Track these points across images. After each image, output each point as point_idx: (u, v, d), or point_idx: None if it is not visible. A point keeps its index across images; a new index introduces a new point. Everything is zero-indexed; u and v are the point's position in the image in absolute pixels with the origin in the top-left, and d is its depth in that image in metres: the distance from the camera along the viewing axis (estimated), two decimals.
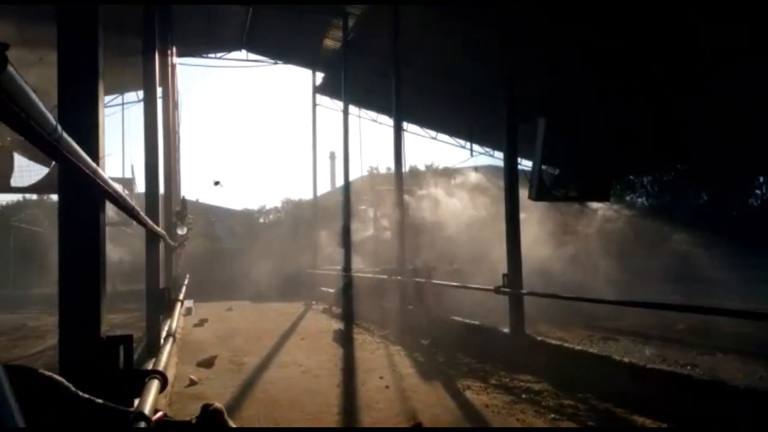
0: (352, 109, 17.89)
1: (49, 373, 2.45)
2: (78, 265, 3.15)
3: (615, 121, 13.72)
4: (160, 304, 7.76)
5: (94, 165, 2.61)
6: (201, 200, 29.50)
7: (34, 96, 1.60)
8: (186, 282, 14.18)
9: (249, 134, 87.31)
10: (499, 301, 10.29)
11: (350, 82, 16.03)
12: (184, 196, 14.87)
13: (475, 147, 25.13)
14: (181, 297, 9.23)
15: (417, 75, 17.29)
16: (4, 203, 29.90)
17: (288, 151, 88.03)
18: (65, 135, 2.02)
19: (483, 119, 19.19)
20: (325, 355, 10.27)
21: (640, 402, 6.33)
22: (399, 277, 13.52)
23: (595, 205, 17.63)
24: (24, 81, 1.50)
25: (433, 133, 25.41)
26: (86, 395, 2.39)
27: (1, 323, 16.66)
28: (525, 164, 14.45)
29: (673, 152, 19.27)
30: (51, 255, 19.56)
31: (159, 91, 9.76)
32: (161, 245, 8.64)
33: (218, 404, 2.71)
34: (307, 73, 23.92)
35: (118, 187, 3.44)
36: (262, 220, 34.65)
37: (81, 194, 3.04)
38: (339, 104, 22.44)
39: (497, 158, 25.39)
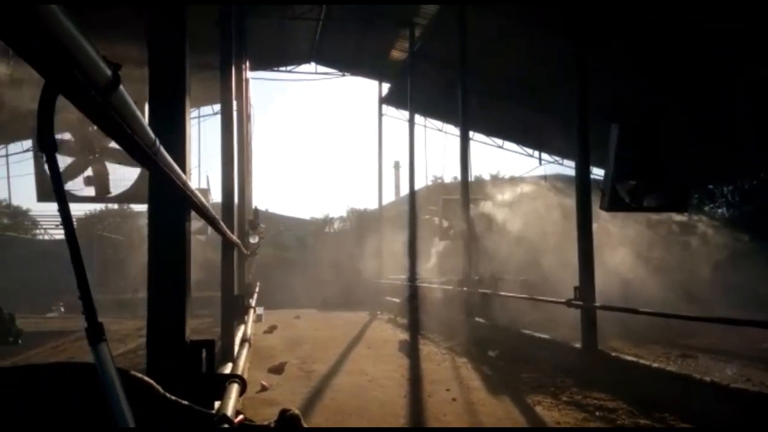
0: (417, 118, 18.00)
1: (141, 375, 2.59)
2: (165, 272, 3.30)
3: (695, 127, 13.12)
4: (234, 310, 8.03)
5: (184, 177, 2.75)
6: (270, 210, 30.37)
7: (138, 113, 1.71)
8: (257, 289, 14.58)
9: (317, 144, 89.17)
10: (569, 314, 10.02)
11: (416, 91, 16.12)
12: (256, 206, 15.35)
13: (544, 155, 24.65)
14: (253, 304, 9.51)
15: (484, 83, 17.17)
16: (88, 212, 31.78)
17: (354, 161, 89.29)
18: (162, 149, 2.15)
19: (552, 127, 18.79)
20: (391, 364, 10.29)
21: (722, 424, 5.99)
22: (465, 288, 13.39)
23: (674, 216, 16.86)
24: (131, 99, 1.62)
25: (499, 141, 25.12)
26: (173, 397, 2.51)
27: (80, 328, 17.62)
28: (597, 173, 14.03)
29: (757, 159, 18.20)
30: (129, 262, 20.70)
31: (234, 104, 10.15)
32: (235, 253, 8.94)
33: (296, 410, 2.77)
34: (373, 84, 24.25)
35: (203, 198, 3.60)
36: (328, 230, 35.22)
37: (170, 204, 3.19)
38: (405, 114, 22.60)
39: (567, 167, 24.81)
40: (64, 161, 9.68)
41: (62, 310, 22.47)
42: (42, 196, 9.95)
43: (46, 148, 1.33)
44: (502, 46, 15.30)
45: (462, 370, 9.80)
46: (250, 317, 7.33)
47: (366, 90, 71.06)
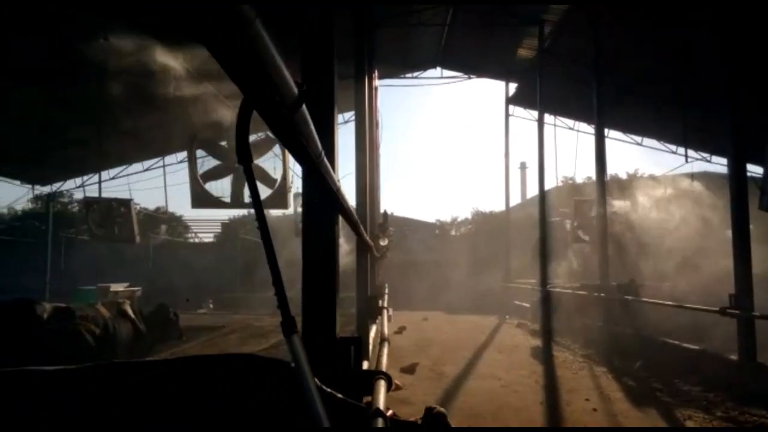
0: (547, 117, 17.43)
1: None
2: (317, 271, 3.51)
3: None
4: (369, 310, 8.31)
5: (338, 183, 2.92)
6: (396, 213, 30.94)
7: (313, 128, 1.87)
8: (386, 291, 14.93)
9: (442, 148, 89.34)
10: (721, 324, 9.21)
11: (545, 89, 15.64)
12: (385, 210, 15.73)
13: (690, 152, 22.80)
14: (385, 305, 9.77)
15: (619, 78, 16.27)
16: (232, 217, 34.36)
17: (479, 163, 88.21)
18: (324, 158, 2.31)
19: (698, 122, 17.35)
20: (524, 370, 10.07)
21: None
22: (602, 294, 12.75)
23: None
24: (309, 114, 1.77)
25: (637, 138, 23.64)
26: (329, 389, 2.66)
27: (232, 323, 19.10)
28: (753, 170, 12.74)
29: None
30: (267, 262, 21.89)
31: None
32: (368, 256, 9.24)
33: (441, 408, 2.83)
34: (499, 84, 23.89)
35: (349, 203, 3.79)
36: (454, 232, 35.16)
37: (322, 209, 3.39)
38: (533, 113, 22.04)
39: (716, 164, 22.79)
40: (210, 165, 10.66)
41: (211, 306, 24.49)
42: (195, 203, 11.02)
43: (243, 158, 1.49)
44: (641, 38, 14.41)
45: (601, 379, 9.35)
46: (385, 318, 7.54)
47: (491, 91, 70.15)
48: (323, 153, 2.21)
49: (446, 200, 77.50)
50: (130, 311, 8.08)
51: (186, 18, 0.91)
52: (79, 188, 20.06)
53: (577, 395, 8.18)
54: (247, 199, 10.82)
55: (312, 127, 1.83)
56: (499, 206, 33.64)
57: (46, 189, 20.33)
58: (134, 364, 2.73)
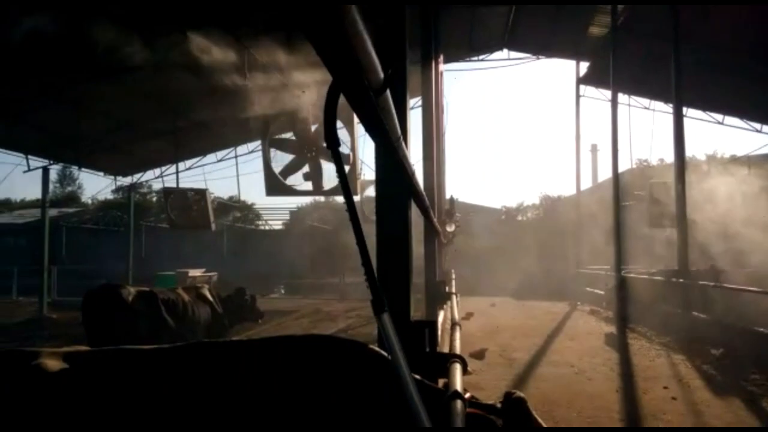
0: (620, 97, 16.77)
1: (378, 349, 2.83)
2: (392, 256, 3.55)
3: None
4: (437, 295, 8.32)
5: (412, 168, 2.94)
6: (461, 199, 30.67)
7: (394, 111, 1.89)
8: (453, 277, 14.89)
9: (508, 131, 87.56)
10: None
11: (618, 68, 15.02)
12: (452, 195, 15.64)
13: None
14: (452, 290, 9.76)
15: (698, 53, 15.40)
16: (302, 205, 35.14)
17: (547, 146, 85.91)
18: (402, 142, 2.33)
19: None
20: (598, 358, 9.83)
21: None
22: (681, 280, 12.21)
23: None
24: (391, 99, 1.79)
25: (718, 116, 22.35)
26: (415, 376, 2.70)
27: (302, 307, 19.59)
28: None
29: None
30: (336, 250, 22.33)
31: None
32: (436, 241, 9.24)
33: (520, 393, 2.81)
34: (569, 64, 23.18)
35: (421, 190, 3.81)
36: (520, 218, 34.57)
37: (396, 193, 3.41)
38: (605, 93, 21.25)
39: None
40: (285, 158, 10.92)
41: (282, 291, 25.23)
42: (270, 191, 11.33)
43: (331, 143, 1.52)
44: (724, 9, 13.56)
45: (680, 367, 9.00)
46: (454, 303, 7.54)
47: (560, 72, 68.13)
48: (402, 137, 2.23)
49: (512, 185, 76.23)
50: (208, 295, 8.46)
51: (289, 6, 0.95)
52: (157, 179, 21.06)
53: (654, 383, 7.92)
54: (324, 185, 11.01)
55: (393, 110, 1.86)
56: (568, 191, 32.70)
57: (128, 180, 21.44)
58: (222, 344, 2.87)
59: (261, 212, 37.47)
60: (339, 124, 11.85)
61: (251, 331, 11.46)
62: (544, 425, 2.65)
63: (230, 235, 30.77)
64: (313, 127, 10.83)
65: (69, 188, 54.19)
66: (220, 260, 26.70)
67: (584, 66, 22.01)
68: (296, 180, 10.82)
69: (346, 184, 1.54)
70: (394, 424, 2.44)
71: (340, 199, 30.96)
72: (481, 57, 21.42)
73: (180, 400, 2.40)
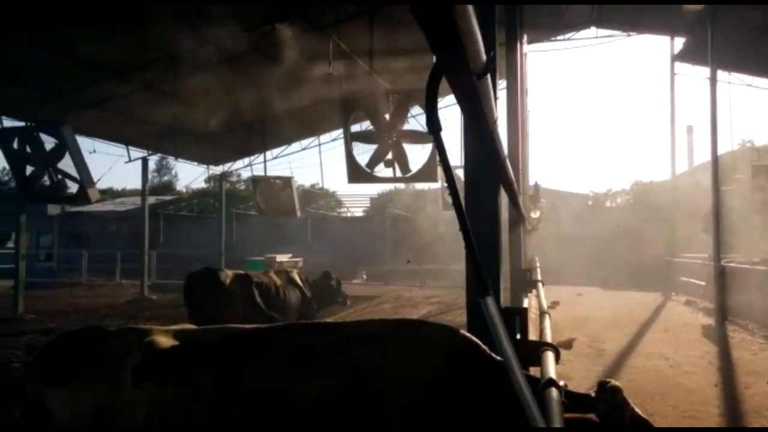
0: (719, 75, 15.67)
1: (469, 335, 2.84)
2: (480, 242, 3.53)
3: None
4: (522, 283, 8.17)
5: (504, 153, 2.91)
6: (545, 185, 29.82)
7: (492, 95, 1.88)
8: (538, 265, 14.58)
9: (595, 113, 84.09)
10: None
11: (717, 43, 14.02)
12: (536, 181, 15.31)
13: None
14: (538, 278, 9.56)
15: None
16: (382, 192, 35.49)
17: (638, 129, 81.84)
18: (497, 127, 2.31)
19: None
20: (695, 350, 9.35)
21: None
22: None
23: None
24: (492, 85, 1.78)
25: None
26: (498, 357, 2.69)
27: (383, 293, 19.85)
28: None
29: None
30: (417, 237, 22.41)
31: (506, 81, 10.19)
32: (521, 228, 9.07)
33: (615, 382, 2.73)
34: (662, 41, 21.88)
35: (512, 175, 3.75)
36: (609, 204, 33.20)
37: (485, 178, 3.39)
38: (703, 71, 19.88)
39: None
40: (370, 149, 11.05)
41: (365, 277, 25.64)
42: (352, 178, 11.52)
43: (432, 127, 1.54)
44: None
45: None
46: (540, 291, 7.38)
47: (653, 49, 64.26)
48: (497, 121, 2.21)
49: (601, 171, 73.29)
50: (297, 279, 8.77)
51: None
52: (246, 167, 21.90)
53: (757, 378, 7.45)
54: (398, 173, 11.06)
55: (492, 94, 1.85)
56: (659, 175, 31.09)
57: (219, 169, 22.43)
58: (319, 324, 2.98)
59: (342, 199, 38.19)
60: (418, 110, 11.83)
61: (337, 315, 11.75)
62: (643, 416, 2.56)
63: (313, 222, 31.57)
64: (387, 115, 10.87)
65: (165, 177, 57.55)
66: (305, 246, 27.47)
67: (679, 42, 20.72)
68: (377, 167, 10.92)
69: (448, 169, 1.55)
70: (491, 411, 2.45)
71: (420, 185, 31.03)
72: (567, 36, 20.63)
73: (280, 376, 2.52)
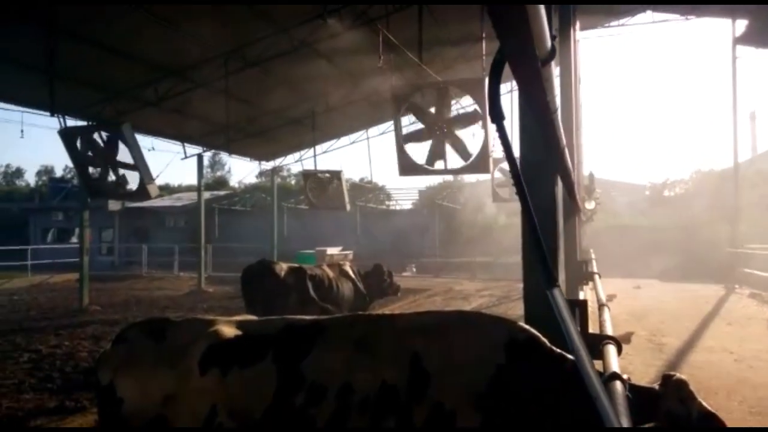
0: None
1: (527, 327, 2.79)
2: (537, 233, 3.45)
3: None
4: (578, 275, 8.00)
5: (564, 143, 2.84)
6: (599, 175, 29.02)
7: (554, 82, 1.84)
8: (593, 257, 14.24)
9: (651, 101, 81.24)
10: None
11: None
12: (591, 172, 14.93)
13: None
14: (594, 270, 9.33)
15: None
16: (431, 185, 35.36)
17: (697, 116, 78.61)
18: (557, 116, 2.26)
19: None
20: (761, 344, 8.96)
21: None
22: None
23: None
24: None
25: None
26: (557, 350, 2.64)
27: (434, 286, 19.81)
28: None
29: None
30: (465, 228, 22.25)
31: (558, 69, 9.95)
32: (576, 219, 8.86)
33: (681, 375, 2.63)
34: (723, 24, 20.89)
35: (569, 165, 3.66)
36: (668, 193, 32.00)
37: (542, 168, 3.31)
38: (767, 54, 18.92)
39: None
40: (422, 145, 11.01)
41: (414, 270, 25.65)
42: (403, 171, 11.49)
43: (495, 116, 1.51)
44: None
45: None
46: (597, 283, 7.20)
47: (711, 33, 61.33)
48: (558, 110, 2.16)
49: (658, 160, 70.86)
50: (350, 271, 8.86)
51: None
52: (297, 162, 22.19)
53: None
54: (450, 165, 10.97)
55: (553, 80, 1.80)
56: (721, 163, 29.78)
57: (270, 164, 22.82)
58: (376, 316, 3.00)
59: (391, 192, 38.24)
60: (469, 100, 11.68)
61: (388, 308, 11.81)
62: (711, 410, 2.46)
63: (363, 215, 31.76)
64: (432, 109, 10.79)
65: (219, 173, 59.14)
66: (354, 239, 27.69)
67: (741, 25, 19.74)
68: (428, 159, 10.84)
69: (512, 158, 1.52)
70: (552, 404, 2.41)
71: (468, 178, 30.74)
72: (621, 22, 19.96)
73: (340, 367, 2.55)
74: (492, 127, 10.57)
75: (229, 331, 2.77)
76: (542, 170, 3.35)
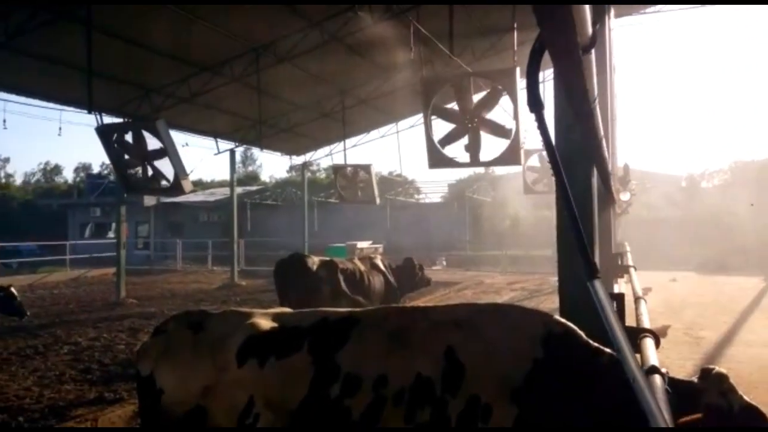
0: None
1: (564, 321, 2.75)
2: (573, 225, 3.40)
3: None
4: (613, 268, 7.86)
5: (601, 133, 2.79)
6: (633, 166, 28.34)
7: (595, 70, 1.80)
8: (628, 249, 13.99)
9: (687, 89, 79.03)
10: None
11: None
12: (626, 163, 14.59)
13: None
14: (629, 263, 9.17)
15: None
16: (461, 178, 35.14)
17: (735, 105, 76.26)
18: (596, 106, 2.22)
19: None
20: None
21: None
22: None
23: None
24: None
25: None
26: (595, 344, 2.60)
27: (464, 279, 19.72)
28: None
29: None
30: (496, 221, 22.05)
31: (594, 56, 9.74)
32: (611, 211, 8.71)
33: (721, 368, 2.57)
34: (761, 7, 20.17)
35: (606, 155, 3.59)
36: (706, 184, 31.25)
37: (579, 159, 3.26)
38: None
39: None
40: (451, 134, 10.91)
41: (444, 263, 25.57)
42: (433, 164, 11.43)
43: (534, 105, 1.48)
44: None
45: None
46: (633, 276, 7.08)
47: (750, 17, 59.25)
48: (597, 100, 2.12)
49: (694, 150, 69.08)
50: (381, 265, 8.89)
51: None
52: (327, 156, 22.27)
53: None
54: (480, 158, 10.86)
55: (594, 69, 1.77)
56: (761, 153, 28.85)
57: (300, 159, 22.97)
58: (410, 308, 2.99)
59: (420, 186, 38.17)
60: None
61: (419, 301, 11.80)
62: (753, 403, 2.39)
63: (392, 209, 31.78)
64: (475, 98, 10.67)
65: (250, 168, 59.86)
66: (384, 233, 27.73)
67: None
68: (457, 152, 10.76)
69: (551, 148, 1.50)
70: (591, 398, 2.38)
71: (498, 170, 30.45)
72: (657, 8, 19.45)
73: (375, 359, 2.55)
74: (523, 119, 10.39)
75: (265, 323, 2.80)
76: (579, 161, 3.29)
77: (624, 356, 1.39)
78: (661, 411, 1.51)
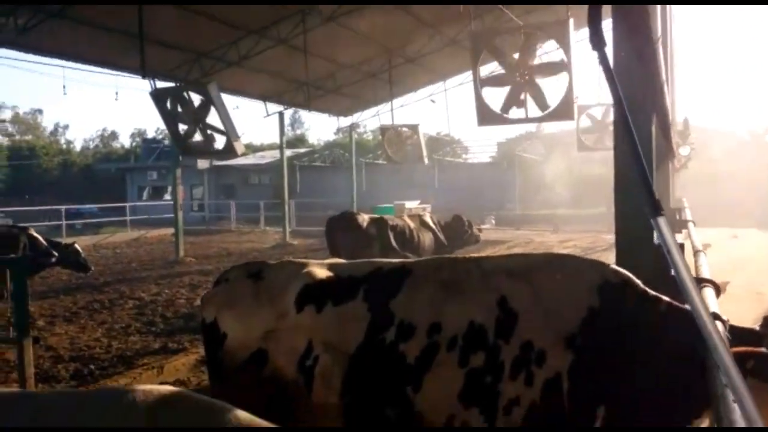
0: None
1: (620, 269, 2.72)
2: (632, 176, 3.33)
3: None
4: (672, 223, 7.66)
5: (663, 78, 2.69)
6: (693, 122, 27.06)
7: (658, 8, 1.73)
8: (686, 205, 13.54)
9: (751, 43, 74.30)
10: None
11: None
12: (686, 117, 14.04)
13: None
14: (688, 218, 8.90)
15: None
16: (509, 137, 34.48)
17: None
18: (658, 48, 2.14)
19: None
20: None
21: None
22: None
23: None
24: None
25: None
26: (652, 292, 2.56)
27: (514, 238, 19.56)
28: None
29: None
30: (547, 180, 21.60)
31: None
32: (669, 165, 8.44)
33: None
34: None
35: (667, 104, 3.47)
36: None
37: (637, 107, 3.14)
38: None
39: None
40: (502, 91, 10.68)
41: (493, 222, 25.36)
42: (482, 121, 11.25)
43: (597, 43, 1.44)
44: None
45: None
46: (692, 231, 6.88)
47: None
48: (660, 39, 2.05)
49: (758, 105, 65.32)
50: (430, 222, 8.93)
51: None
52: (374, 117, 22.16)
53: None
54: (531, 113, 10.61)
55: (658, 8, 1.70)
56: None
57: (348, 120, 22.96)
58: (460, 259, 3.01)
59: (469, 145, 37.68)
60: (554, 45, 11.14)
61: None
62: None
63: (440, 169, 31.56)
64: (516, 55, 10.36)
65: (299, 131, 60.31)
66: (432, 193, 27.61)
67: None
68: (509, 110, 10.52)
69: (615, 87, 1.46)
70: (650, 344, 2.37)
71: (549, 128, 29.66)
72: None
73: (429, 306, 2.61)
74: (576, 73, 9.98)
75: (321, 272, 2.89)
76: (639, 108, 3.19)
77: (685, 286, 1.37)
78: (726, 346, 1.50)
